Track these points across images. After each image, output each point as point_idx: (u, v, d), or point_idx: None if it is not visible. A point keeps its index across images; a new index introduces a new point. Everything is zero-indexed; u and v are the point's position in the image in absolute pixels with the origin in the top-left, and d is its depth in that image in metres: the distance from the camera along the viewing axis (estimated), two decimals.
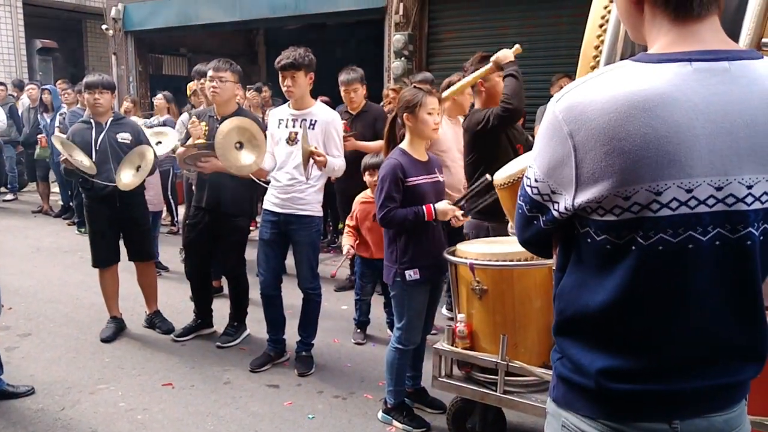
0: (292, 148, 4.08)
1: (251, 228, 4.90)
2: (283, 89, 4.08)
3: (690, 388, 1.25)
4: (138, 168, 4.65)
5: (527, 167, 1.35)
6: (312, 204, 4.17)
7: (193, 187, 4.97)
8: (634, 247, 1.20)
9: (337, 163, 4.12)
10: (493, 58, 3.89)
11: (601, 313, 1.26)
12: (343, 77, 5.76)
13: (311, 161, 3.92)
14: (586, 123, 1.18)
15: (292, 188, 4.11)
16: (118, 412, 3.71)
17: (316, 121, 4.09)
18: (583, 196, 1.22)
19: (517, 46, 3.90)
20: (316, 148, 3.95)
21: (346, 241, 4.65)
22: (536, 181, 1.30)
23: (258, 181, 4.41)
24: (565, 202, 1.25)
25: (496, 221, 3.93)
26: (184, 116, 7.30)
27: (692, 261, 1.20)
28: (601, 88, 1.20)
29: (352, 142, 5.56)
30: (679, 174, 1.15)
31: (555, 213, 1.29)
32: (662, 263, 1.20)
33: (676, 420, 1.26)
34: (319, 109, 4.18)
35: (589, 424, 1.31)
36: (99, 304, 5.14)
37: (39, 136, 9.33)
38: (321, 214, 4.30)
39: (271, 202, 4.20)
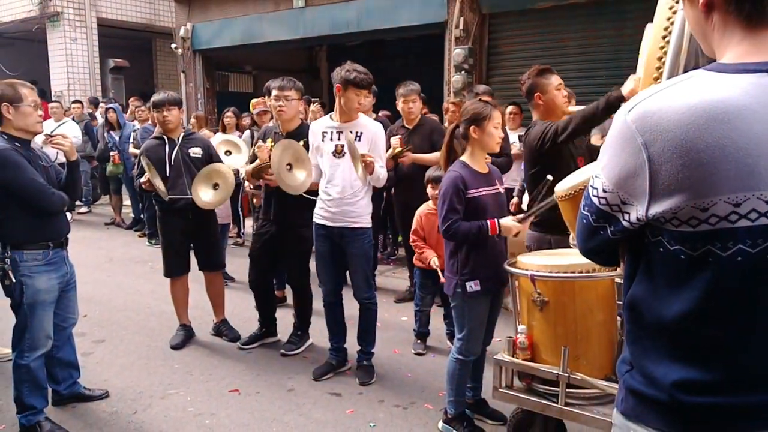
0: (339, 161, 4.14)
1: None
2: (356, 105, 4.14)
3: (765, 401, 1.22)
4: (215, 186, 4.80)
5: (593, 177, 1.33)
6: (363, 216, 4.22)
7: (254, 201, 5.08)
8: (711, 259, 1.18)
9: (382, 173, 4.19)
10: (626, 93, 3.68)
11: (676, 324, 1.24)
12: (401, 90, 5.86)
13: (361, 166, 4.01)
14: (661, 134, 1.17)
15: (343, 201, 4.16)
16: (187, 417, 3.85)
17: (362, 132, 4.16)
18: (658, 208, 1.20)
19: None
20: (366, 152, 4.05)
21: (430, 254, 4.55)
22: (604, 191, 1.29)
23: (307, 197, 4.43)
24: (637, 212, 1.24)
25: (558, 234, 3.90)
26: (247, 134, 7.50)
27: None
28: (676, 98, 1.18)
29: (409, 156, 5.64)
30: (759, 185, 1.13)
31: (625, 223, 1.27)
32: (741, 274, 1.17)
33: None
34: (364, 121, 4.25)
35: None
36: (168, 312, 5.33)
37: (112, 153, 9.63)
38: (370, 224, 4.33)
39: (321, 216, 4.26)
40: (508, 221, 3.28)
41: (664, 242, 1.24)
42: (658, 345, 1.29)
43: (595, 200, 1.32)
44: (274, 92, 4.55)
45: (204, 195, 4.76)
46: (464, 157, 3.41)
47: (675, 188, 1.16)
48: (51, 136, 3.70)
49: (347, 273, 4.58)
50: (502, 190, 3.49)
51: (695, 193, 1.15)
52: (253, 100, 7.66)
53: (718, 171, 1.13)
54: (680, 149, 1.14)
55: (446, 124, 6.13)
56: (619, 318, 3.08)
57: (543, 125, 3.81)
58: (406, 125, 5.93)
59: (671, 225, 1.20)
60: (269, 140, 4.66)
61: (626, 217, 1.27)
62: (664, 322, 1.26)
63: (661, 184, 1.18)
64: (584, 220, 1.37)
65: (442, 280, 4.05)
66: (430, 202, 4.74)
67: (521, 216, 3.39)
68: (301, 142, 4.47)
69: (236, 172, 5.88)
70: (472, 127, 3.33)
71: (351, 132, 4.13)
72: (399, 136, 5.78)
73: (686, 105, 1.15)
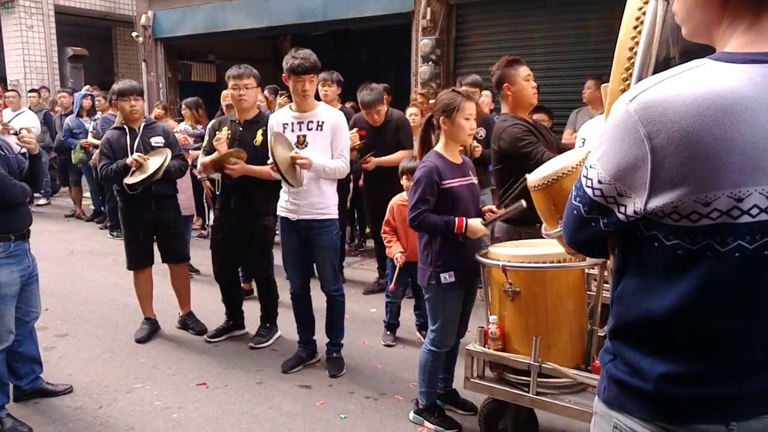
0: (302, 152, 4.01)
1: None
2: (301, 92, 4.04)
3: (750, 391, 1.22)
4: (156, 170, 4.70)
5: (587, 167, 1.29)
6: (331, 207, 4.16)
7: (216, 191, 4.99)
8: (709, 253, 1.16)
9: (336, 164, 4.08)
10: None
11: (667, 319, 1.23)
12: (364, 99, 5.64)
13: (297, 167, 3.93)
14: (666, 125, 1.13)
15: (310, 193, 4.08)
16: (154, 411, 3.78)
17: (323, 121, 4.09)
18: (657, 201, 1.17)
19: None
20: (296, 152, 3.94)
21: (396, 249, 4.58)
22: (600, 182, 1.25)
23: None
24: (634, 205, 1.21)
25: (527, 226, 3.89)
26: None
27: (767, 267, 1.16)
28: (682, 88, 1.14)
29: (372, 161, 5.62)
30: (763, 180, 1.11)
31: (620, 215, 1.24)
32: (737, 269, 1.16)
33: (733, 422, 1.23)
34: (324, 110, 4.17)
35: (644, 426, 1.29)
36: (133, 305, 5.24)
37: (83, 141, 9.13)
38: (337, 215, 4.26)
39: (287, 209, 4.17)
40: (475, 223, 3.24)
41: (659, 237, 1.21)
42: (647, 338, 1.28)
43: (589, 191, 1.28)
44: (232, 81, 4.49)
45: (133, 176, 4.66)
46: (438, 148, 3.39)
47: (678, 181, 1.13)
48: (16, 132, 3.59)
49: (314, 265, 4.52)
50: (475, 181, 3.47)
51: (698, 186, 1.12)
52: (224, 92, 7.50)
53: (724, 165, 1.10)
54: (686, 141, 1.11)
55: (411, 117, 6.08)
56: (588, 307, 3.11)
57: (520, 132, 3.68)
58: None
59: (670, 219, 1.18)
60: (225, 129, 4.59)
61: (622, 209, 1.24)
62: (654, 315, 1.25)
63: (663, 177, 1.15)
64: (575, 211, 1.34)
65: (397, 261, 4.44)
66: (404, 193, 4.70)
67: (490, 216, 3.38)
68: (260, 131, 4.48)
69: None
70: (442, 118, 3.31)
71: (312, 122, 4.07)
72: (356, 129, 5.69)
73: (693, 95, 1.12)
